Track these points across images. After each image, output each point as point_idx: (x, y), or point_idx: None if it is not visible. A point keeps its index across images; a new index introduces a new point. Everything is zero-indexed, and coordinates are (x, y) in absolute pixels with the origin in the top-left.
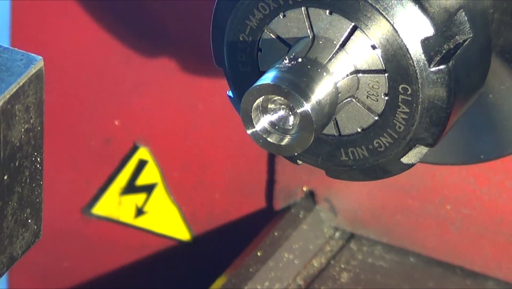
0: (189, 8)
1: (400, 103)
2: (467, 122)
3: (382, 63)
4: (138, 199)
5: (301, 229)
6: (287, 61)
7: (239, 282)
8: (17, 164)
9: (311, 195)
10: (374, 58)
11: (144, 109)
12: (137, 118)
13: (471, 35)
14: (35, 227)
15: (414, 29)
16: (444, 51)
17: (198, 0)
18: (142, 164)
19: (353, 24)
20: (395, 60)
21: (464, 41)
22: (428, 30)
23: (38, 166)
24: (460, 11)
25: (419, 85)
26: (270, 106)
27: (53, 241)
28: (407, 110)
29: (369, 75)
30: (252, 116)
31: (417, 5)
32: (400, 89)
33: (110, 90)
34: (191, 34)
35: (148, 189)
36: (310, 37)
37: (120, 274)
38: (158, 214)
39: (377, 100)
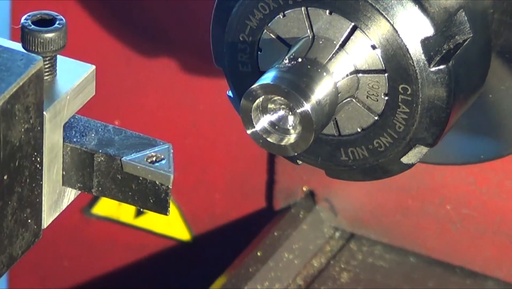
0: (189, 8)
1: (400, 103)
2: (467, 122)
3: (382, 63)
4: None
5: (301, 229)
6: (287, 61)
7: (239, 282)
8: (17, 164)
9: (311, 195)
10: (374, 58)
11: (144, 109)
12: (137, 118)
13: (471, 35)
14: (35, 227)
15: (414, 29)
16: (444, 51)
17: (198, 0)
18: None
19: (353, 24)
20: (395, 60)
21: (464, 41)
22: (428, 30)
23: (38, 166)
24: (460, 11)
25: (419, 85)
26: (270, 106)
27: (53, 241)
28: (407, 110)
29: (369, 75)
30: (252, 116)
31: (417, 5)
32: (400, 89)
33: (110, 90)
34: (191, 34)
35: None
36: (310, 37)
37: (120, 274)
38: (158, 214)
39: (377, 100)
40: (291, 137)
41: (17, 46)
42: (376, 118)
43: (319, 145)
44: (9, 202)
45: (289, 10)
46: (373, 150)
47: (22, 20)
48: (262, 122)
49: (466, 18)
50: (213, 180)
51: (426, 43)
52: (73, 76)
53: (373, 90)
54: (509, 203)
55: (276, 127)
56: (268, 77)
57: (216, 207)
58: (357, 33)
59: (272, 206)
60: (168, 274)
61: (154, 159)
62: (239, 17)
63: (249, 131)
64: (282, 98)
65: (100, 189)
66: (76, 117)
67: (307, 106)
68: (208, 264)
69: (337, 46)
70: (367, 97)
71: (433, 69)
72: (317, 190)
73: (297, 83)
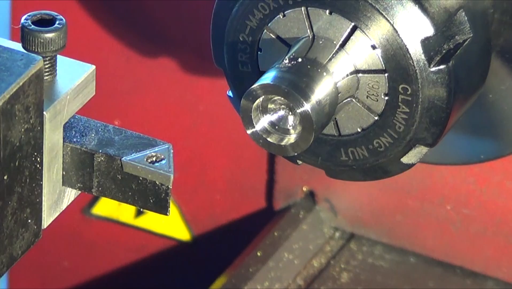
0: (189, 8)
1: (400, 103)
2: (467, 122)
3: (382, 63)
4: None
5: (301, 229)
6: (287, 61)
7: (239, 282)
8: (17, 164)
9: (311, 195)
10: (374, 58)
11: (144, 109)
12: (137, 118)
13: (471, 35)
14: (35, 227)
15: (414, 29)
16: (444, 51)
17: (198, 0)
18: None
19: (353, 24)
20: (395, 60)
21: (464, 41)
22: (428, 30)
23: (38, 166)
24: (460, 11)
25: (419, 85)
26: (270, 106)
27: (53, 241)
28: (407, 110)
29: (369, 75)
30: (252, 116)
31: (417, 5)
32: (400, 89)
33: (110, 90)
34: (191, 34)
35: None
36: (310, 37)
37: (120, 274)
38: (158, 214)
39: (377, 100)
40: (291, 137)
41: (17, 46)
42: (376, 118)
43: (319, 144)
44: (9, 202)
45: (289, 10)
46: (373, 150)
47: (22, 20)
48: (262, 122)
49: (466, 18)
50: (213, 180)
51: (426, 43)
52: (73, 76)
53: (373, 90)
54: (509, 203)
55: (276, 127)
56: (268, 77)
57: (216, 207)
58: (357, 33)
59: (272, 206)
60: (168, 274)
61: (154, 159)
62: (239, 17)
63: (249, 131)
64: (282, 98)
65: (100, 189)
66: (76, 117)
67: (307, 106)
68: (208, 264)
69: (337, 46)
70: (367, 97)
71: (433, 69)
72: (317, 190)
73: (297, 83)
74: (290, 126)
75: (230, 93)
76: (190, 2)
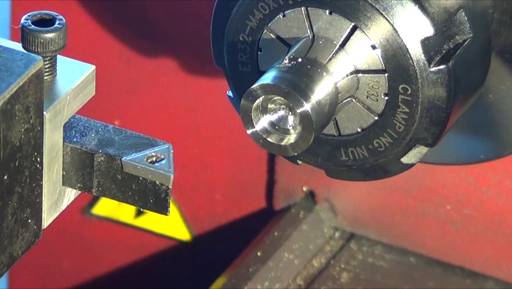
0: (189, 9)
1: (400, 103)
2: (467, 122)
3: (382, 63)
4: None
5: (301, 229)
6: (287, 61)
7: (239, 282)
8: (17, 164)
9: (311, 195)
10: (374, 58)
11: (144, 109)
12: (137, 118)
13: (471, 35)
14: (35, 227)
15: (414, 29)
16: (444, 51)
17: (198, 0)
18: None
19: (353, 24)
20: (395, 60)
21: (464, 41)
22: (428, 30)
23: (38, 166)
24: (460, 11)
25: (419, 85)
26: (270, 106)
27: (53, 241)
28: (407, 110)
29: (369, 75)
30: (252, 116)
31: (417, 5)
32: (400, 89)
33: (109, 90)
34: (191, 34)
35: None
36: (310, 37)
37: (120, 274)
38: (158, 214)
39: (377, 100)
40: (291, 137)
41: (17, 46)
42: (376, 118)
43: (319, 144)
44: (9, 202)
45: (289, 10)
46: (373, 150)
47: (22, 20)
48: (262, 122)
49: (466, 18)
50: (213, 180)
51: (426, 43)
52: (73, 76)
53: (373, 90)
54: (509, 203)
55: (276, 127)
56: (268, 77)
57: (216, 207)
58: (357, 33)
59: (272, 206)
60: (168, 274)
61: (154, 159)
62: (239, 17)
63: (249, 132)
64: (282, 98)
65: (100, 189)
66: (76, 117)
67: (307, 106)
68: (208, 264)
69: (337, 46)
70: (367, 97)
71: (433, 69)
72: (317, 190)
73: (297, 83)
74: (290, 126)
75: (230, 93)
76: (190, 2)
